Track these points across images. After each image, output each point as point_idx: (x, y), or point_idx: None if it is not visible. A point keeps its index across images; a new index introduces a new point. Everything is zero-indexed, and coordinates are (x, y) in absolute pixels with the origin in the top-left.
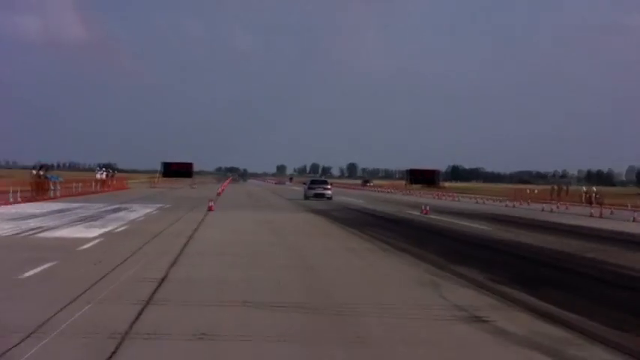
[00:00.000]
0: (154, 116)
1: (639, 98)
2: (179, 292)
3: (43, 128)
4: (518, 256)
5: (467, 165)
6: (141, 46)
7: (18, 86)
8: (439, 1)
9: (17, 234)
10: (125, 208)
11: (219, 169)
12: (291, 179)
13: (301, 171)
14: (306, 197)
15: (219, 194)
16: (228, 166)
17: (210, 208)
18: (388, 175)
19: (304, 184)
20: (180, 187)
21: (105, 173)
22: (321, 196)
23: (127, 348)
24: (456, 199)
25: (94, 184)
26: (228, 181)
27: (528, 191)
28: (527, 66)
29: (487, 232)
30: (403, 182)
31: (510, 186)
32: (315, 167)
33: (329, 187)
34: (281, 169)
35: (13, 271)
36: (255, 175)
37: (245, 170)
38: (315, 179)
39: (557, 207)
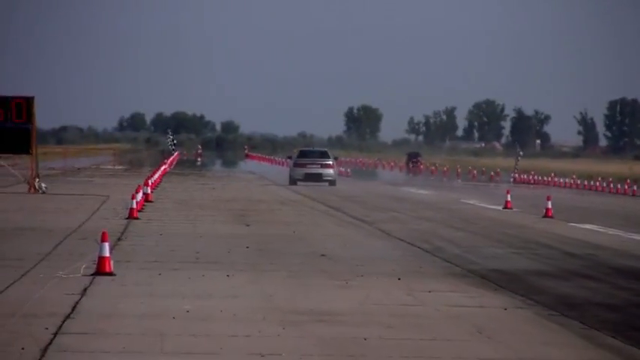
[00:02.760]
0: None
1: None
2: None
3: None
4: None
5: None
6: None
7: None
8: None
9: None
10: None
11: (128, 124)
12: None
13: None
14: (293, 180)
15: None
16: (171, 111)
17: None
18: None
19: (289, 157)
20: None
21: None
22: (316, 178)
23: None
24: None
25: None
26: (167, 163)
27: None
28: None
29: None
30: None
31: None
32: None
33: (330, 162)
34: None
35: None
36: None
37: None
38: (307, 149)
39: None
